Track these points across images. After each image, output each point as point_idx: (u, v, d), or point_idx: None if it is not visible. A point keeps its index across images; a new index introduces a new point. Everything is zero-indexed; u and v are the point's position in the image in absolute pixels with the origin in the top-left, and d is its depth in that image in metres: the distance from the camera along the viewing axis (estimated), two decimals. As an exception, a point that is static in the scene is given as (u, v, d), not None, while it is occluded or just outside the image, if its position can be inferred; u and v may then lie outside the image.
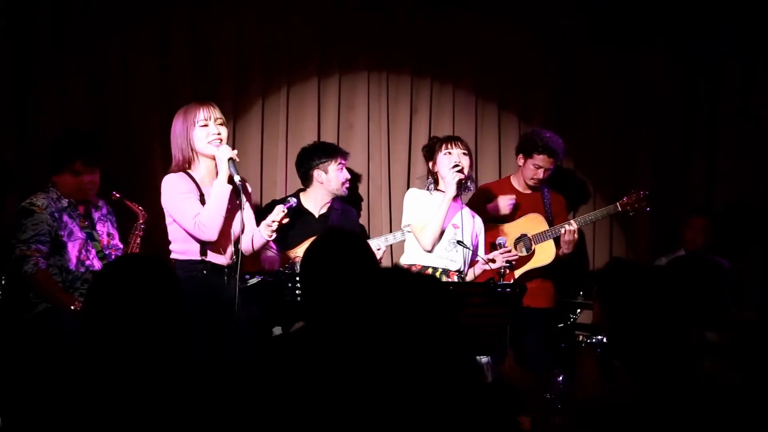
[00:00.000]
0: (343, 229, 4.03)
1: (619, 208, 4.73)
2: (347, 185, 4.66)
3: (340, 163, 4.60)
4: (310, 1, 5.08)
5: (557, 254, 4.66)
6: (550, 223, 4.72)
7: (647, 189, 5.56)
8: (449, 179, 4.22)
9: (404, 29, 5.23)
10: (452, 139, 4.41)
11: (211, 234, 3.78)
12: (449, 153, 4.30)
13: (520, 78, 5.47)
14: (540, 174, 4.78)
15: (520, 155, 4.86)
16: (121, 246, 4.05)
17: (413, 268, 4.21)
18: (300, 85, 5.05)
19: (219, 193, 3.79)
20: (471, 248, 4.26)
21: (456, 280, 4.21)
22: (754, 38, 5.56)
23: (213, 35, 4.88)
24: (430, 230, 4.23)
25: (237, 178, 3.78)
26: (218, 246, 3.86)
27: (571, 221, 4.59)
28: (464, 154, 4.31)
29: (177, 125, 3.91)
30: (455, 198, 4.28)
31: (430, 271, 4.25)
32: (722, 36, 5.53)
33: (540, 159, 4.75)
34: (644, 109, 5.65)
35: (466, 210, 4.42)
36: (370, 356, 2.10)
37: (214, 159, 3.86)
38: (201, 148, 3.87)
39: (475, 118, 5.35)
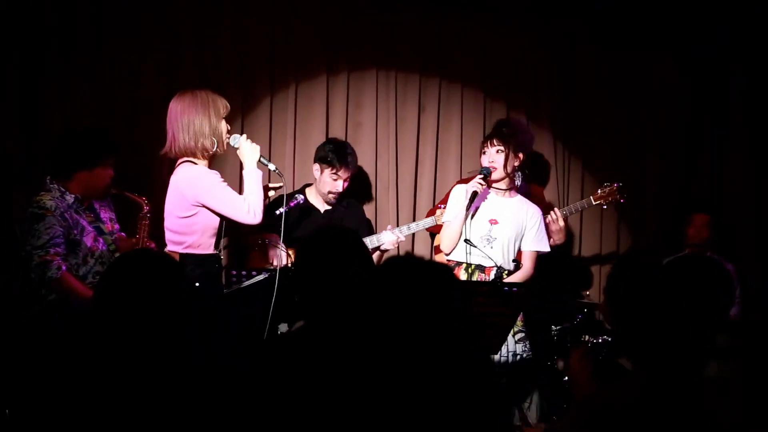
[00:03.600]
0: (334, 225, 4.06)
1: (593, 202, 4.74)
2: (334, 196, 4.62)
3: (335, 172, 4.55)
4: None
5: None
6: None
7: (654, 190, 5.57)
8: (468, 187, 4.23)
9: (413, 28, 5.23)
10: (487, 139, 4.33)
11: (260, 217, 3.84)
12: (484, 153, 4.30)
13: (527, 78, 5.46)
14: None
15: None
16: (118, 227, 3.98)
17: (450, 263, 4.19)
18: (308, 83, 5.06)
19: (257, 176, 3.87)
20: (477, 246, 4.16)
21: (494, 275, 4.11)
22: (754, 38, 5.54)
23: (221, 32, 4.89)
24: (446, 234, 4.28)
25: (272, 166, 3.96)
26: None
27: (554, 210, 4.57)
28: (499, 151, 4.24)
29: (198, 110, 3.82)
30: (510, 191, 4.31)
31: (463, 266, 4.21)
32: (722, 36, 5.52)
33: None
34: (649, 110, 5.63)
35: (517, 203, 4.34)
36: (373, 352, 2.10)
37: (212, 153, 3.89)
38: (222, 140, 3.88)
39: (483, 117, 5.34)
